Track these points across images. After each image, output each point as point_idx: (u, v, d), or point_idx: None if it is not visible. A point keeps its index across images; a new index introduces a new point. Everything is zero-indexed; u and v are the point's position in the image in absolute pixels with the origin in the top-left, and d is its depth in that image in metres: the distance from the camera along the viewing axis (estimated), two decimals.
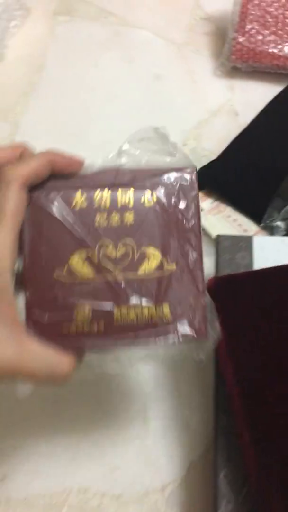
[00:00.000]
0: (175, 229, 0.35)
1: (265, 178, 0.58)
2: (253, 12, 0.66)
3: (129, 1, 0.78)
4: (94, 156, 0.36)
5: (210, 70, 0.71)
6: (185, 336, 0.33)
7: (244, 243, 0.48)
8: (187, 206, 0.35)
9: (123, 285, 0.34)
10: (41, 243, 0.34)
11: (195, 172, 0.36)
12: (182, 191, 0.35)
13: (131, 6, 0.78)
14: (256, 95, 0.68)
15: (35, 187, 0.34)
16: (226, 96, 0.69)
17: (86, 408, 0.49)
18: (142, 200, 0.35)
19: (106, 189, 0.35)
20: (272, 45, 0.65)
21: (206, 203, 0.59)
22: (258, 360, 0.38)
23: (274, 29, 0.65)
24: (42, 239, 0.34)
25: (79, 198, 0.35)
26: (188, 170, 0.36)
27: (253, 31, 0.66)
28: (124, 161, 0.36)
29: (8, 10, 0.74)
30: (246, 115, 0.66)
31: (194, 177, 0.36)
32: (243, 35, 0.66)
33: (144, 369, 0.51)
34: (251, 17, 0.66)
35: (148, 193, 0.35)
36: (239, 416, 0.38)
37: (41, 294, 0.33)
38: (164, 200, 0.35)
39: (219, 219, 0.58)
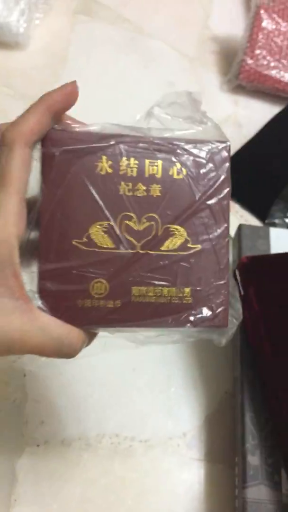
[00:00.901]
0: (204, 206, 0.33)
1: (268, 183, 0.68)
2: (262, 40, 0.76)
3: (144, 11, 0.86)
4: (121, 118, 0.35)
5: (217, 85, 0.80)
6: (204, 321, 0.32)
7: (262, 232, 0.57)
8: (219, 182, 0.33)
9: (144, 261, 0.32)
10: (59, 209, 0.31)
11: (228, 146, 0.34)
12: (214, 166, 0.33)
13: (146, 16, 0.85)
14: (257, 112, 0.78)
15: (56, 145, 0.31)
16: (231, 109, 0.78)
17: (117, 366, 0.55)
18: (171, 172, 0.33)
19: (132, 158, 0.32)
20: (276, 70, 0.76)
21: None
22: None
23: (278, 57, 0.76)
24: (61, 204, 0.31)
25: (105, 163, 0.32)
26: (222, 143, 0.33)
27: (260, 56, 0.76)
28: (152, 124, 0.34)
29: (36, 2, 0.79)
30: (249, 127, 0.76)
31: (227, 151, 0.33)
32: (251, 58, 0.76)
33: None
34: (259, 44, 0.76)
35: (178, 165, 0.33)
36: (269, 367, 0.47)
37: (56, 264, 0.31)
38: (194, 174, 0.33)
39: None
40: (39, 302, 0.31)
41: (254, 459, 0.46)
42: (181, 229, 0.32)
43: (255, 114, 0.77)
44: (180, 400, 0.54)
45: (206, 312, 0.32)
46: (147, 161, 0.33)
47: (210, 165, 0.33)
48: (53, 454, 0.51)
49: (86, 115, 0.73)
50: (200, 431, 0.53)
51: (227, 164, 0.34)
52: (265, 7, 0.77)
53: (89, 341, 0.33)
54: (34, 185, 0.32)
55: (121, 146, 0.32)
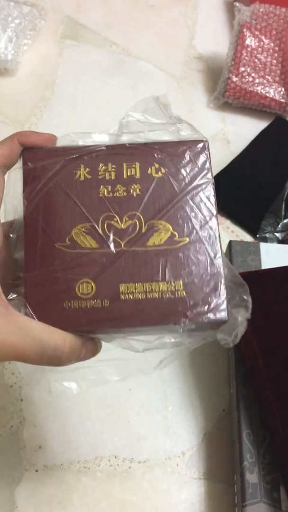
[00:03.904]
0: (187, 199, 0.33)
1: (258, 197, 0.69)
2: (246, 58, 0.77)
3: (130, 34, 0.87)
4: (96, 130, 0.36)
5: (204, 103, 0.81)
6: (200, 315, 0.31)
7: (252, 248, 0.57)
8: (200, 177, 0.34)
9: (129, 258, 0.32)
10: (41, 217, 0.32)
11: (206, 143, 0.35)
12: (193, 162, 0.34)
13: (132, 38, 0.87)
14: (244, 128, 0.79)
15: (34, 161, 0.33)
16: (218, 126, 0.79)
17: (113, 386, 0.55)
18: (149, 171, 0.33)
19: (110, 163, 0.34)
20: (261, 87, 0.77)
21: None
22: (281, 336, 0.47)
23: (262, 73, 0.77)
24: (43, 213, 0.32)
25: (83, 170, 0.33)
26: (199, 142, 0.35)
27: (245, 73, 0.77)
28: (125, 138, 0.35)
29: (23, 29, 0.80)
30: (236, 143, 0.77)
31: (205, 147, 0.34)
32: (236, 76, 0.77)
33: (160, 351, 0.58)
34: (244, 61, 0.77)
35: (156, 165, 0.34)
36: (265, 385, 0.47)
37: (40, 269, 0.31)
38: (173, 171, 0.34)
39: (220, 230, 0.67)
40: (26, 309, 0.31)
41: (252, 477, 0.46)
42: (166, 224, 0.33)
43: (243, 130, 0.78)
44: (178, 419, 0.54)
45: (201, 305, 0.31)
46: (124, 164, 0.34)
47: (189, 161, 0.34)
48: (52, 478, 0.50)
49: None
50: (198, 449, 0.53)
51: (206, 159, 0.34)
52: (247, 25, 0.78)
53: (88, 351, 0.32)
54: (16, 207, 0.34)
55: (98, 153, 0.34)
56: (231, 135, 0.78)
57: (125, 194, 0.33)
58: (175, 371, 0.57)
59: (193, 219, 0.33)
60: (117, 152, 0.34)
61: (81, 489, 0.50)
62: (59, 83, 0.80)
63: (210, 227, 0.33)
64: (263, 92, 0.77)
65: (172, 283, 0.31)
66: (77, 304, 0.31)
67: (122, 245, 0.32)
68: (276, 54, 0.78)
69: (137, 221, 0.33)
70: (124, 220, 0.33)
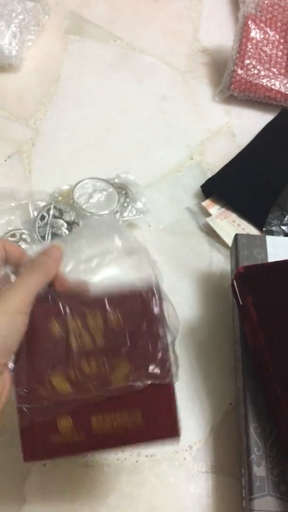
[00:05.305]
0: (143, 336, 0.39)
1: (264, 191, 0.68)
2: (251, 50, 0.76)
3: (135, 28, 0.87)
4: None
5: (209, 96, 0.81)
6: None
7: (259, 241, 0.57)
8: (152, 315, 0.39)
9: (97, 397, 0.38)
10: (29, 356, 0.38)
11: (155, 285, 0.40)
12: (145, 303, 0.39)
13: (137, 33, 0.87)
14: (250, 121, 0.78)
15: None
16: (224, 119, 0.79)
17: None
18: (110, 318, 0.39)
19: (76, 316, 0.39)
20: (266, 79, 0.76)
21: (214, 209, 0.68)
22: (287, 329, 0.47)
23: (268, 66, 0.77)
24: (31, 354, 0.38)
25: (56, 325, 0.39)
26: (147, 285, 0.40)
27: (251, 65, 0.76)
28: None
29: (26, 25, 0.80)
30: (242, 137, 0.76)
31: (154, 290, 0.40)
32: (241, 68, 0.77)
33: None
34: (249, 54, 0.77)
35: (114, 311, 0.39)
36: (272, 378, 0.47)
37: (28, 398, 0.38)
38: (128, 314, 0.39)
39: (226, 223, 0.67)
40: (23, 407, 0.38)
41: (260, 470, 0.46)
42: (125, 362, 0.38)
43: (248, 123, 0.78)
44: (185, 413, 0.54)
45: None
46: (88, 316, 0.39)
47: (142, 303, 0.40)
48: (60, 472, 0.51)
49: (81, 134, 0.74)
50: (206, 443, 0.53)
51: (157, 298, 0.40)
52: (252, 17, 0.77)
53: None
54: None
55: (66, 307, 0.39)
56: (236, 128, 0.78)
57: (90, 342, 0.39)
58: (181, 365, 0.57)
59: (149, 353, 0.39)
60: (81, 304, 0.40)
61: (88, 483, 0.50)
62: (63, 79, 0.80)
63: (164, 357, 0.39)
64: (269, 84, 0.76)
65: (134, 413, 0.38)
66: (60, 439, 0.37)
67: (91, 387, 0.38)
68: (281, 46, 0.77)
69: (102, 364, 0.38)
70: (91, 364, 0.38)
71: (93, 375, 0.38)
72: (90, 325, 0.39)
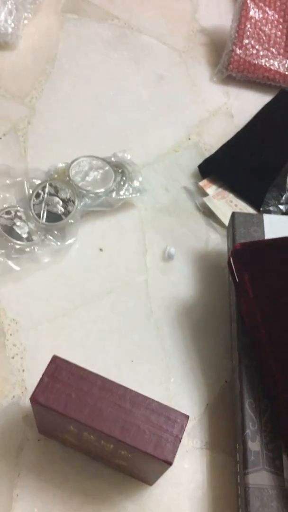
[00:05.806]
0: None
1: (261, 171, 0.68)
2: (250, 30, 0.76)
3: (132, 8, 0.86)
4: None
5: (207, 76, 0.80)
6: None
7: (256, 219, 0.57)
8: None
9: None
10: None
11: (185, 421, 0.41)
12: (170, 426, 0.41)
13: (134, 13, 0.86)
14: (248, 101, 0.78)
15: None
16: (222, 100, 0.78)
17: (116, 358, 0.55)
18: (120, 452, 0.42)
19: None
20: (265, 59, 0.76)
21: (211, 189, 0.67)
22: (283, 305, 0.47)
23: (267, 46, 0.76)
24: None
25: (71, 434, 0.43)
26: (180, 417, 0.41)
27: (249, 45, 0.76)
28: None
29: (23, 2, 0.79)
30: (240, 117, 0.76)
31: (184, 425, 0.41)
32: (240, 48, 0.76)
33: (165, 330, 0.58)
34: (248, 33, 0.76)
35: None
36: (267, 354, 0.46)
37: None
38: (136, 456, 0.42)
39: (223, 203, 0.66)
40: None
41: (254, 445, 0.46)
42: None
43: (246, 104, 0.77)
44: (180, 390, 0.54)
45: None
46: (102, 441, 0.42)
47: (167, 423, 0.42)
48: (54, 448, 0.50)
49: (77, 113, 0.73)
50: (201, 420, 0.53)
51: (182, 432, 0.42)
52: None
53: None
54: None
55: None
56: (234, 108, 0.77)
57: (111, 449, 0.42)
58: (177, 343, 0.57)
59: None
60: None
61: (81, 459, 0.50)
62: (60, 57, 0.79)
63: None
64: (268, 64, 0.76)
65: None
66: None
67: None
68: (280, 26, 0.77)
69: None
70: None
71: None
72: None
